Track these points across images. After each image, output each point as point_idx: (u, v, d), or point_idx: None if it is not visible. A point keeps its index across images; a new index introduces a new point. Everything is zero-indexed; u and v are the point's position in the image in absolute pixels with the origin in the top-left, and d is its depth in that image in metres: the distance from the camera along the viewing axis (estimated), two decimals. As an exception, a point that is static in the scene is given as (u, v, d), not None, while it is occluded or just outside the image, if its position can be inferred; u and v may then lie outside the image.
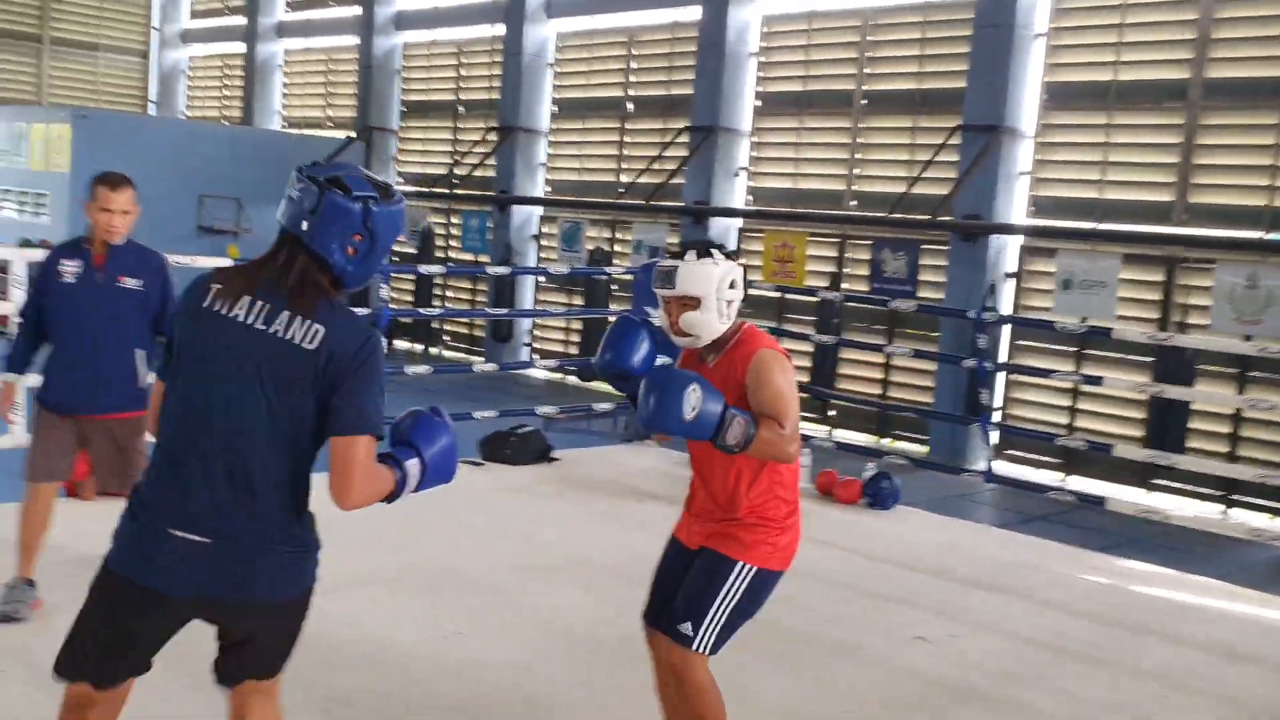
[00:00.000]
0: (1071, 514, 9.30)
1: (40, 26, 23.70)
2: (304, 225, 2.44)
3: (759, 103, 14.64)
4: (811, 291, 12.02)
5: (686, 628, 3.16)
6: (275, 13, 22.27)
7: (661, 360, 3.28)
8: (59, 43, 23.91)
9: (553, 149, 17.20)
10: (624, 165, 16.16)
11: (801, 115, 14.19)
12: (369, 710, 3.87)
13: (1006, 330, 11.82)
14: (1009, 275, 12.20)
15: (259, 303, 2.43)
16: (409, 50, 19.69)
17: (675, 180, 14.74)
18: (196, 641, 2.69)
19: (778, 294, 13.42)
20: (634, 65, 16.27)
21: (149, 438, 3.03)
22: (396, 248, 18.90)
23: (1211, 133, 11.10)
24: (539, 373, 16.02)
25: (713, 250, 3.23)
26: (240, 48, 22.86)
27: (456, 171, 17.76)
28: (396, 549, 5.75)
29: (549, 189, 17.13)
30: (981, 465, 10.84)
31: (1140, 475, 10.96)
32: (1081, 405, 11.59)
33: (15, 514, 5.95)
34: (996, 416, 11.62)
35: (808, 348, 12.74)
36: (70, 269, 4.53)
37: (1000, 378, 11.71)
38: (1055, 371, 8.16)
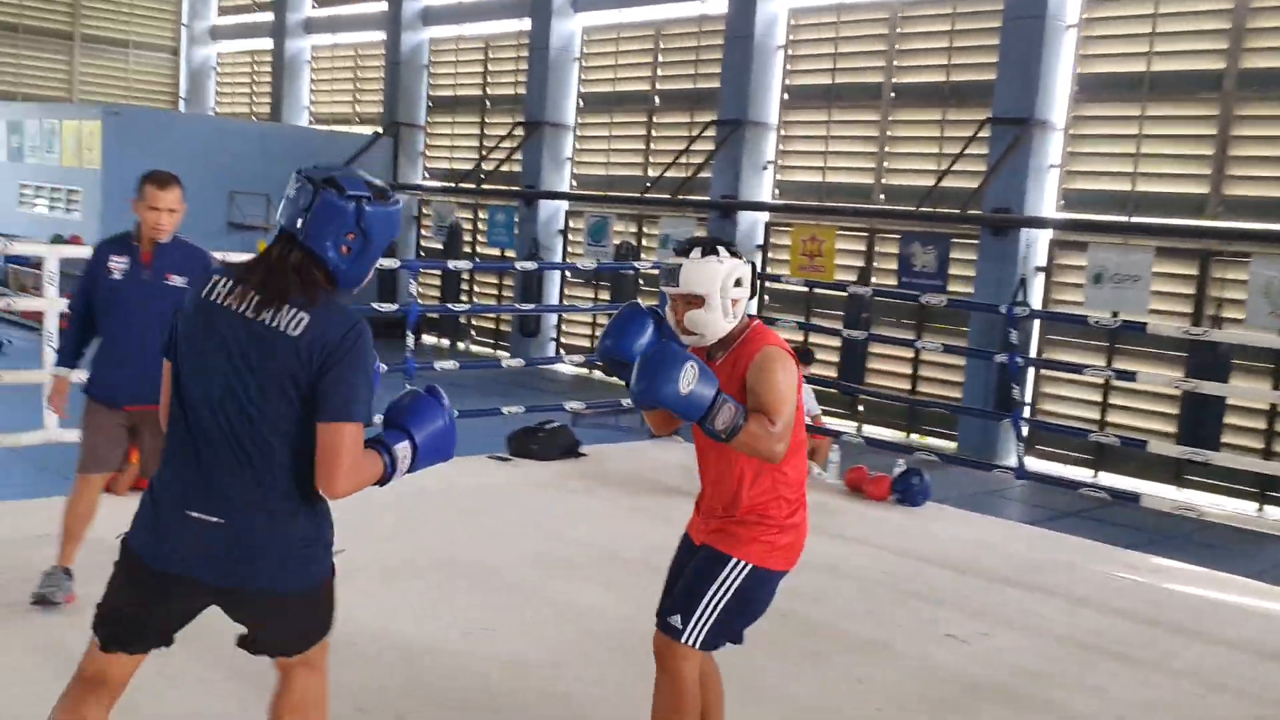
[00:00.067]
0: (1103, 510, 9.21)
1: (72, 24, 23.90)
2: (299, 223, 2.49)
3: (786, 96, 14.57)
4: (840, 286, 11.96)
5: (676, 620, 3.14)
6: (303, 9, 22.36)
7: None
8: (90, 40, 24.11)
9: (579, 144, 17.19)
10: (651, 159, 16.13)
11: (830, 108, 14.11)
12: (393, 704, 3.87)
13: (1036, 325, 11.72)
14: (1039, 269, 12.09)
15: (252, 293, 2.49)
16: (436, 45, 19.72)
17: (702, 174, 14.70)
18: (227, 630, 2.69)
19: (806, 288, 13.36)
20: (661, 59, 16.23)
21: None
22: (424, 243, 18.98)
23: (1247, 124, 10.95)
24: (566, 368, 16.03)
25: (718, 248, 3.18)
26: (268, 44, 22.97)
27: (483, 166, 17.77)
28: (421, 543, 5.75)
29: (575, 184, 17.12)
30: (1012, 461, 10.74)
31: (1173, 471, 10.85)
32: (1113, 400, 11.48)
33: (48, 508, 6.00)
34: (1026, 412, 11.52)
35: (836, 343, 12.68)
36: (118, 266, 4.57)
37: (1030, 373, 11.61)
38: (1088, 366, 8.06)
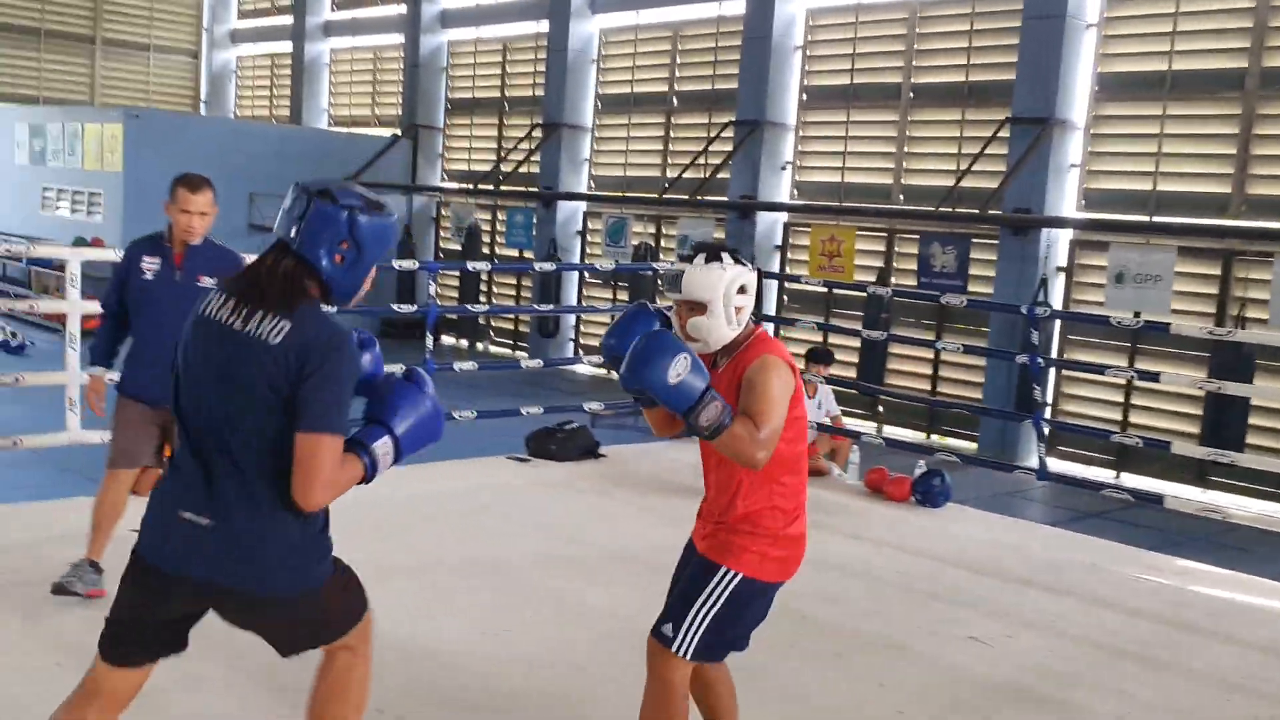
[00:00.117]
0: (1126, 512, 9.15)
1: (93, 28, 24.06)
2: (293, 232, 2.53)
3: (805, 96, 14.54)
4: (859, 286, 11.93)
5: (667, 629, 3.11)
6: (322, 12, 22.45)
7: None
8: (111, 43, 24.26)
9: (597, 145, 17.20)
10: (669, 160, 16.12)
11: (848, 109, 14.08)
12: (403, 704, 3.87)
13: (1057, 325, 11.66)
14: (1060, 270, 12.03)
15: (241, 305, 2.52)
16: (454, 48, 19.77)
17: (721, 175, 14.68)
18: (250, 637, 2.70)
19: (825, 289, 13.33)
20: (679, 60, 16.22)
21: None
22: (443, 244, 19.02)
23: (1270, 123, 10.87)
24: (585, 368, 16.04)
25: (722, 254, 3.15)
26: (288, 47, 23.07)
27: (502, 168, 17.80)
28: (437, 542, 5.76)
29: (593, 185, 17.13)
30: (1033, 462, 10.68)
31: (1196, 472, 10.78)
32: (1135, 401, 11.41)
33: (70, 509, 6.03)
34: (1047, 413, 11.46)
35: (856, 343, 12.64)
36: (150, 266, 4.63)
37: (1051, 373, 11.55)
38: (1111, 367, 8.01)
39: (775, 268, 14.21)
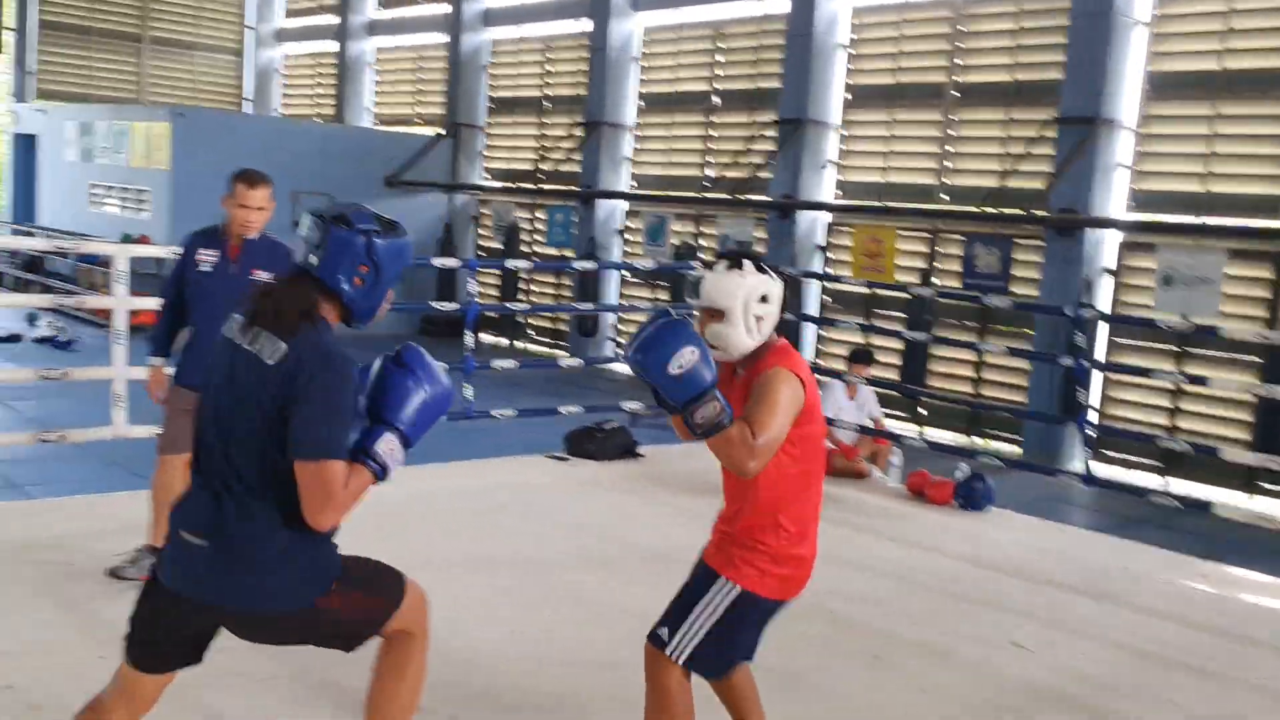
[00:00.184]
0: (1172, 518, 9.01)
1: (140, 26, 24.35)
2: (312, 259, 2.58)
3: (848, 95, 14.45)
4: (902, 287, 11.83)
5: (663, 631, 3.07)
6: (366, 11, 22.59)
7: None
8: (158, 42, 24.55)
9: (638, 144, 17.18)
10: (710, 159, 16.08)
11: (891, 108, 13.97)
12: (446, 704, 3.86)
13: (1103, 328, 11.52)
14: (1107, 271, 11.88)
15: (254, 326, 2.58)
16: (496, 47, 19.83)
17: (762, 174, 14.62)
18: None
19: (867, 289, 13.24)
20: (720, 59, 16.17)
21: None
22: (483, 242, 19.09)
23: (1324, 123, 10.68)
24: (624, 368, 16.01)
25: (744, 261, 3.08)
26: (332, 46, 23.24)
27: (542, 167, 17.83)
28: (475, 542, 5.76)
29: (634, 184, 17.12)
30: (1078, 466, 10.56)
31: (1245, 479, 10.60)
32: (1183, 406, 11.25)
33: (116, 503, 6.10)
34: (1092, 417, 11.32)
35: (898, 344, 12.55)
36: (207, 258, 4.72)
37: (1097, 377, 11.41)
38: (1158, 371, 7.88)
39: (817, 268, 14.14)
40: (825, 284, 14.13)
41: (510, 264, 10.21)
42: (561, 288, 17.87)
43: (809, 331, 13.98)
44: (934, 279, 13.00)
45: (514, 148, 19.45)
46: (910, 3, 13.88)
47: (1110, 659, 4.83)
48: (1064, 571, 6.06)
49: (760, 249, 14.52)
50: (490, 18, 19.73)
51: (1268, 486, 10.43)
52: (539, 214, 18.23)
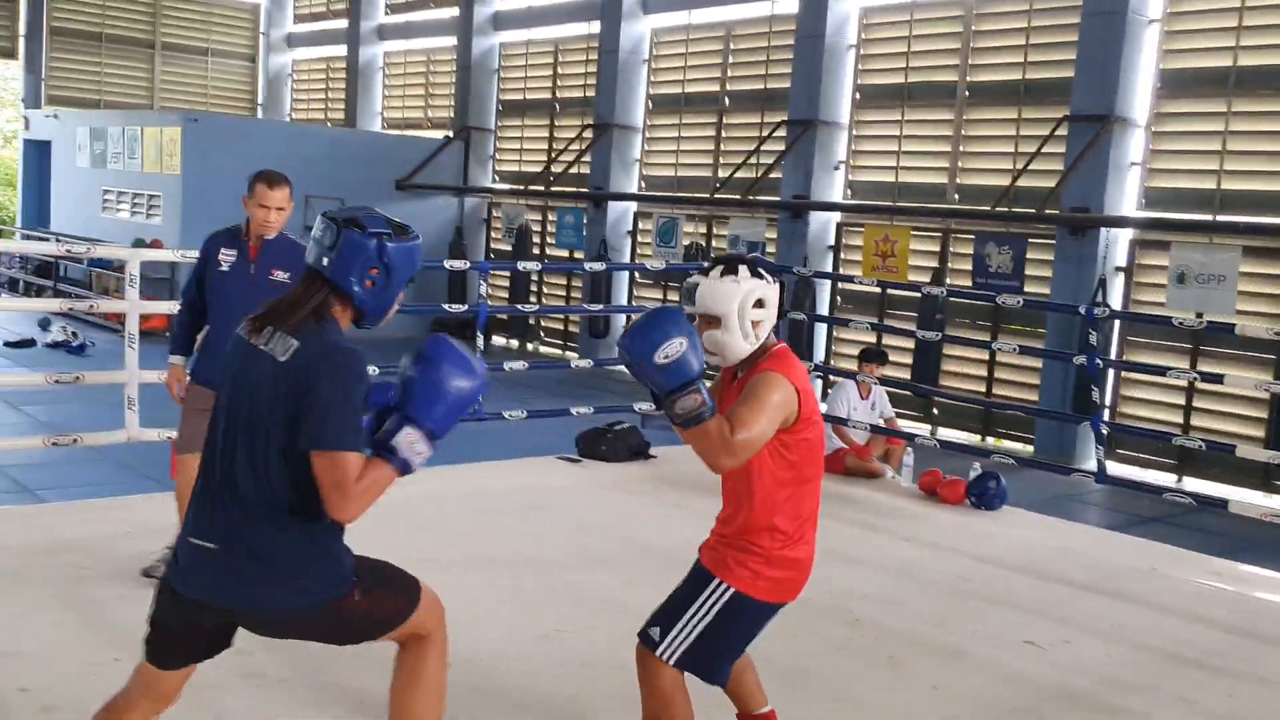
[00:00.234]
0: (1187, 516, 8.97)
1: (152, 32, 24.44)
2: (324, 261, 2.62)
3: (858, 95, 14.42)
4: (914, 287, 11.79)
5: (655, 632, 3.06)
6: (376, 16, 22.64)
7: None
8: (170, 48, 24.63)
9: (648, 145, 17.18)
10: (720, 160, 16.07)
11: (902, 107, 13.94)
12: (468, 706, 3.86)
13: (1116, 326, 11.47)
14: (1119, 270, 11.83)
15: (269, 328, 2.62)
16: (506, 50, 19.85)
17: (773, 175, 14.60)
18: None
19: (879, 289, 13.21)
20: (731, 59, 16.16)
21: None
22: (493, 244, 19.11)
23: (1338, 119, 10.62)
24: (635, 369, 16.02)
25: (739, 267, 3.06)
26: (343, 50, 23.29)
27: (552, 169, 17.84)
28: (488, 544, 5.76)
29: (644, 185, 17.11)
30: (1091, 465, 10.52)
31: (1261, 477, 10.55)
32: (1197, 404, 11.20)
33: (130, 506, 6.11)
34: (1106, 415, 11.27)
35: (910, 344, 12.52)
36: (227, 258, 4.78)
37: (1110, 375, 11.36)
38: (1172, 369, 7.85)
39: (828, 268, 14.12)
40: (837, 284, 14.10)
41: (521, 266, 10.19)
42: (572, 289, 17.88)
43: (821, 331, 13.96)
44: (946, 278, 12.96)
45: (524, 150, 19.46)
46: (921, 2, 13.85)
47: (1124, 657, 4.81)
48: (1077, 570, 6.03)
49: (772, 249, 14.50)
50: (500, 21, 19.75)
51: (1283, 485, 10.38)
52: (550, 216, 18.24)
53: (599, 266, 10.58)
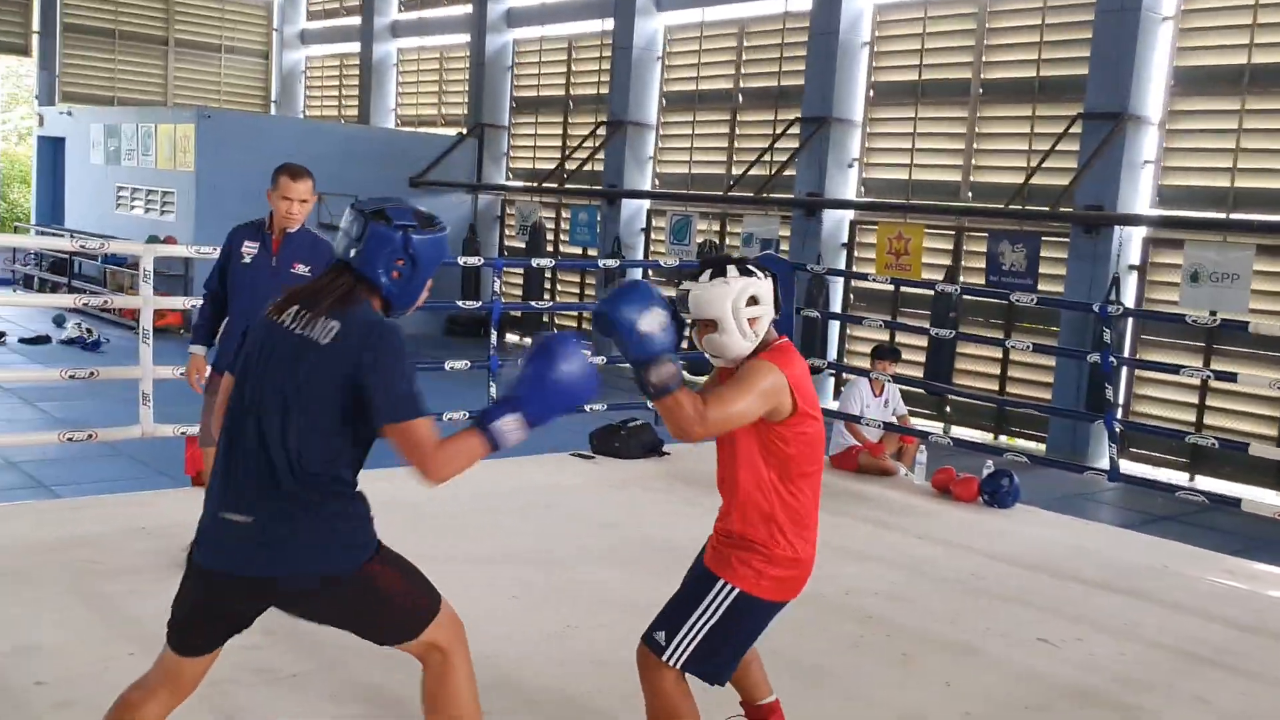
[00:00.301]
0: (1200, 515, 8.95)
1: (165, 29, 24.51)
2: (352, 252, 2.67)
3: (872, 93, 14.40)
4: (927, 285, 11.78)
5: (660, 636, 3.05)
6: (390, 13, 22.67)
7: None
8: (184, 45, 24.70)
9: (662, 142, 17.18)
10: (734, 158, 16.06)
11: (916, 105, 13.92)
12: (483, 702, 3.87)
13: (1130, 324, 11.43)
14: (1133, 268, 11.79)
15: (301, 311, 2.67)
16: (520, 47, 19.86)
17: (786, 172, 14.58)
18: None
19: (892, 287, 13.20)
20: (744, 56, 16.14)
21: None
22: (507, 242, 19.13)
23: (1354, 116, 10.56)
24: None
25: (727, 267, 3.05)
26: (356, 48, 23.33)
27: (566, 166, 17.85)
28: (502, 541, 5.77)
29: (658, 182, 17.11)
30: (1104, 463, 10.49)
31: (1274, 475, 10.52)
32: (1210, 402, 11.16)
33: (145, 502, 6.14)
34: (1118, 413, 11.24)
35: (923, 342, 12.50)
36: (250, 250, 4.86)
37: (1123, 373, 11.32)
38: (1185, 367, 7.82)
39: (842, 265, 14.10)
40: (850, 282, 14.08)
41: (535, 262, 10.22)
42: (586, 286, 17.88)
43: (834, 329, 13.94)
44: (960, 276, 12.93)
45: (538, 147, 19.47)
46: (934, -1, 13.82)
47: (1137, 655, 4.80)
48: (1090, 568, 6.02)
49: (785, 247, 14.49)
50: (513, 18, 19.77)
51: (1298, 484, 10.34)
52: (563, 213, 18.25)
53: (612, 263, 10.58)
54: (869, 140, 14.42)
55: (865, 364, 9.05)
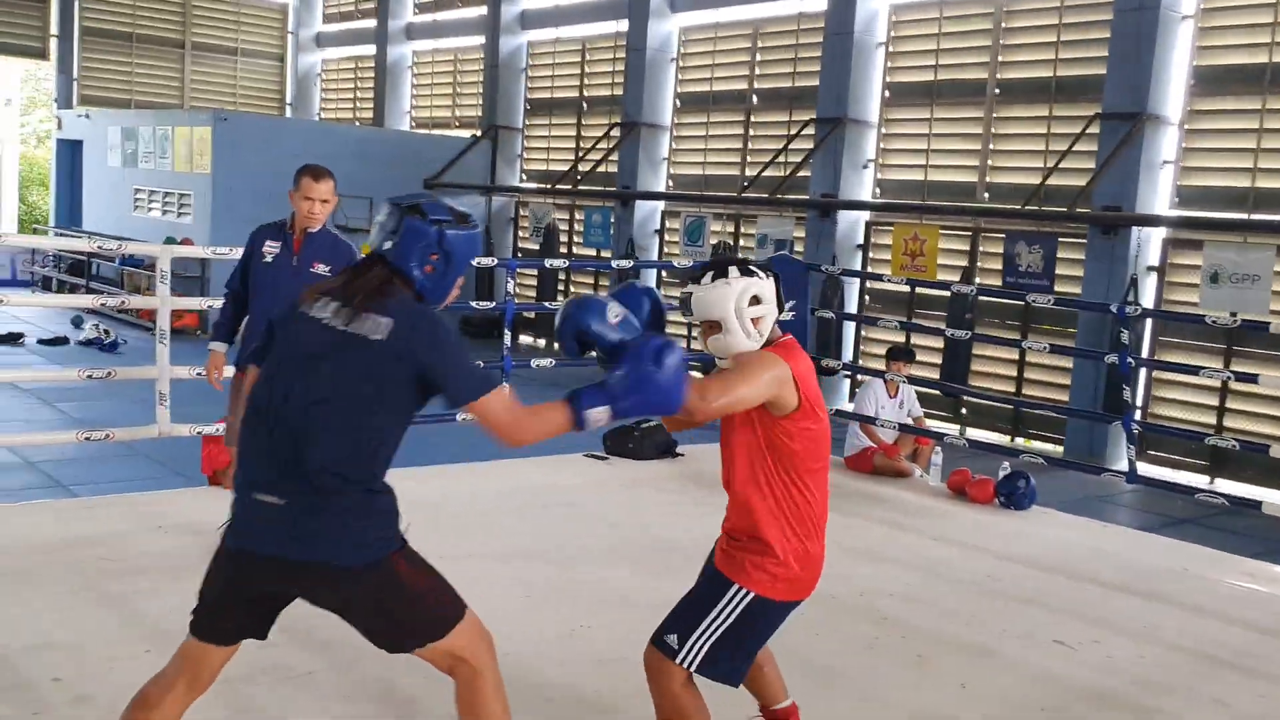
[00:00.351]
0: (1219, 517, 8.88)
1: (182, 32, 24.63)
2: (387, 245, 2.72)
3: (887, 93, 14.36)
4: (943, 285, 11.73)
5: (672, 639, 3.03)
6: (404, 15, 22.72)
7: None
8: (200, 48, 24.82)
9: (676, 144, 17.17)
10: (748, 159, 16.03)
11: (932, 105, 13.87)
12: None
13: (1148, 325, 11.37)
14: (1152, 269, 11.72)
15: (337, 304, 2.69)
16: (534, 49, 19.88)
17: (801, 173, 14.55)
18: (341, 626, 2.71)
19: (908, 288, 13.16)
20: (759, 57, 16.13)
21: None
22: (521, 243, 19.15)
23: (1375, 116, 10.48)
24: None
25: (728, 269, 3.04)
26: (371, 50, 23.40)
27: (580, 167, 17.85)
28: (514, 541, 5.76)
29: (672, 184, 17.09)
30: (1121, 465, 10.43)
31: (1294, 478, 10.44)
32: (1230, 404, 11.08)
33: (161, 501, 6.16)
34: (1137, 415, 11.17)
35: (939, 343, 12.45)
36: (271, 250, 4.91)
37: (1142, 375, 11.26)
38: (1205, 368, 7.77)
39: (857, 267, 14.06)
40: (866, 283, 14.04)
41: (549, 263, 10.21)
42: (599, 288, 17.89)
43: (849, 330, 13.90)
44: (976, 277, 12.88)
45: (552, 149, 19.49)
46: (950, -1, 13.78)
47: (1155, 657, 4.76)
48: (1108, 570, 5.98)
49: (800, 248, 14.46)
50: (527, 20, 19.79)
51: (1318, 486, 10.26)
52: (577, 215, 18.25)
53: (626, 264, 10.57)
54: (884, 141, 14.38)
55: (880, 365, 9.02)
